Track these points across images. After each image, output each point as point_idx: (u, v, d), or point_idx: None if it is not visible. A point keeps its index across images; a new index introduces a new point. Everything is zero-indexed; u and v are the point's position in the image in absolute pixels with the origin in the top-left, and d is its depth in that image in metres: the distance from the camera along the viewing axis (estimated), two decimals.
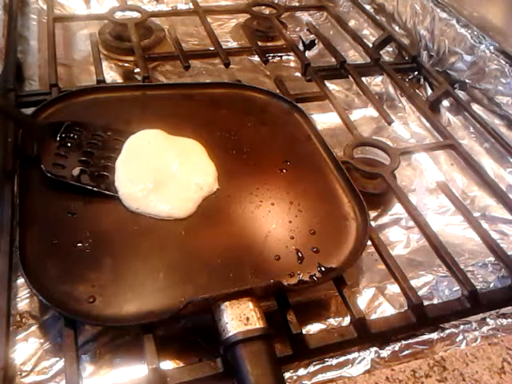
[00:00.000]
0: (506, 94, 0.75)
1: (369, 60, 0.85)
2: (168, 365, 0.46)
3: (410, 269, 0.56)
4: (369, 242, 0.54)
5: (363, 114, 0.81)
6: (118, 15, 0.88)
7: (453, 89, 0.80)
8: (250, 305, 0.45)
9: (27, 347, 0.47)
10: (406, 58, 0.88)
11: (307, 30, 0.97)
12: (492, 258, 0.58)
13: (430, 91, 0.84)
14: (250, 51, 0.87)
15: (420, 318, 0.49)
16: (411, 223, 0.60)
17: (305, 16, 1.05)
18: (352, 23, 1.00)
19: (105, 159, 0.57)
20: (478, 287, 0.52)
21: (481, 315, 0.51)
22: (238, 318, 0.43)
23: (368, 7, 1.01)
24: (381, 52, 0.89)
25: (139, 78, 0.78)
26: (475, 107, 0.79)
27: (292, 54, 0.87)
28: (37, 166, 0.55)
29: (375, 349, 0.47)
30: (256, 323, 0.43)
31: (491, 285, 0.57)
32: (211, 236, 0.53)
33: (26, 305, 0.50)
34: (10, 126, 0.62)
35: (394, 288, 0.54)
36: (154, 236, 0.52)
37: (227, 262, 0.50)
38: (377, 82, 0.87)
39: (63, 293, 0.46)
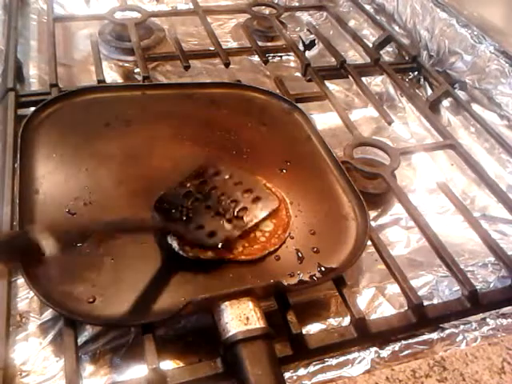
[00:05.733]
0: (506, 93, 0.75)
1: (369, 60, 0.85)
2: (168, 365, 0.46)
3: (409, 269, 0.56)
4: (369, 242, 0.54)
5: (363, 114, 0.81)
6: (118, 15, 0.88)
7: (453, 89, 0.80)
8: (250, 305, 0.45)
9: (27, 347, 0.47)
10: (406, 58, 0.88)
11: (307, 29, 0.97)
12: (492, 258, 0.58)
13: (429, 91, 0.84)
14: (250, 51, 0.87)
15: (420, 318, 0.49)
16: (411, 223, 0.60)
17: (305, 16, 1.05)
18: (352, 23, 1.00)
19: None
20: (477, 287, 0.51)
21: (481, 315, 0.51)
22: (238, 318, 0.43)
23: (368, 7, 1.01)
24: (381, 52, 0.89)
25: (139, 77, 0.78)
26: (475, 107, 0.78)
27: (292, 53, 0.87)
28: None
29: (375, 349, 0.47)
30: (256, 323, 0.43)
31: (491, 285, 0.57)
32: None
33: (26, 305, 0.50)
34: (10, 126, 0.62)
35: (393, 288, 0.54)
36: (154, 235, 0.52)
37: (228, 261, 0.50)
38: (377, 82, 0.87)
39: (63, 293, 0.46)
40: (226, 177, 0.56)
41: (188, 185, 0.55)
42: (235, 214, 0.52)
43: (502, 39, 0.79)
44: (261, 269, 0.50)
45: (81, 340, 0.47)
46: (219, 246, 0.50)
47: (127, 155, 0.60)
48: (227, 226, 0.51)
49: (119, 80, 0.82)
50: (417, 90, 0.86)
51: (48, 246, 0.37)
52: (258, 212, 0.53)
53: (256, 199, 0.54)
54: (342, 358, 0.47)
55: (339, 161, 0.62)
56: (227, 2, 1.03)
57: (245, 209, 0.53)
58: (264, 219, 0.53)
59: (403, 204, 0.60)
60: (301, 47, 0.93)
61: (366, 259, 0.57)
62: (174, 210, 0.52)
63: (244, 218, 0.52)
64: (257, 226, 0.53)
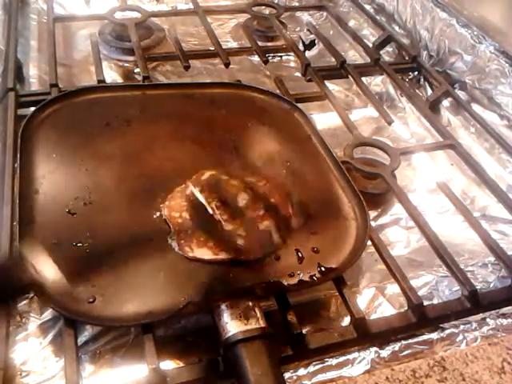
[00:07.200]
0: (506, 93, 0.75)
1: (369, 60, 0.85)
2: (168, 365, 0.46)
3: (410, 269, 0.56)
4: (369, 242, 0.54)
5: (363, 114, 0.81)
6: (118, 15, 0.88)
7: (453, 89, 0.81)
8: (250, 305, 0.45)
9: (27, 347, 0.47)
10: (406, 58, 0.88)
11: (307, 29, 0.97)
12: (492, 258, 0.58)
13: (429, 91, 0.84)
14: (250, 51, 0.87)
15: (420, 318, 0.49)
16: (411, 223, 0.60)
17: (305, 16, 1.05)
18: (352, 23, 1.00)
19: None
20: (477, 287, 0.52)
21: (481, 315, 0.51)
22: (238, 318, 0.43)
23: (368, 7, 1.01)
24: (381, 52, 0.89)
25: (139, 77, 0.78)
26: (475, 107, 0.78)
27: (292, 53, 0.87)
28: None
29: (375, 349, 0.47)
30: (256, 323, 0.43)
31: (491, 285, 0.57)
32: None
33: (26, 305, 0.50)
34: (10, 126, 0.62)
35: (393, 288, 0.54)
36: (154, 236, 0.52)
37: (228, 261, 0.50)
38: (377, 82, 0.87)
39: (63, 293, 0.46)
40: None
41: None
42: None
43: (502, 39, 0.79)
44: (261, 269, 0.50)
45: (81, 340, 0.47)
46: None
47: (127, 155, 0.60)
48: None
49: (119, 80, 0.82)
50: (417, 90, 0.86)
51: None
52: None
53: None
54: (342, 358, 0.46)
55: (339, 161, 0.62)
56: (227, 1, 1.03)
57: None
58: None
59: (403, 204, 0.60)
60: (301, 47, 0.93)
61: (366, 259, 0.57)
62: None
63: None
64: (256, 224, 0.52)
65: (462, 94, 0.81)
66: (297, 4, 1.08)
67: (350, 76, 0.81)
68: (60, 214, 0.52)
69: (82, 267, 0.48)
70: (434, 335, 0.49)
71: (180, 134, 0.63)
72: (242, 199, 0.54)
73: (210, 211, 0.52)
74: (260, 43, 0.88)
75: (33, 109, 0.63)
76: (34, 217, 0.51)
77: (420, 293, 0.53)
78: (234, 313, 0.44)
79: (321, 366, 0.46)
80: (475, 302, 0.51)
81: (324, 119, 0.77)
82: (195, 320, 0.49)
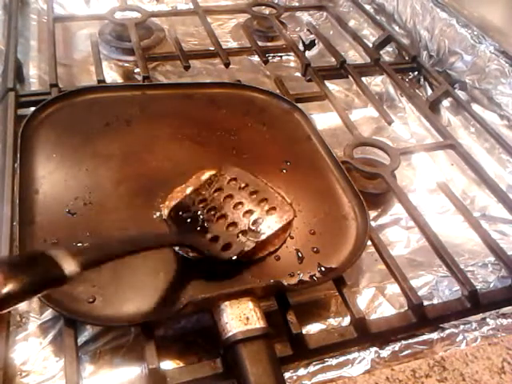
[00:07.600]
0: (506, 93, 0.75)
1: (369, 60, 0.85)
2: (168, 365, 0.46)
3: (409, 269, 0.56)
4: (369, 242, 0.54)
5: (363, 114, 0.81)
6: (118, 15, 0.88)
7: (453, 89, 0.81)
8: (250, 305, 0.45)
9: (27, 347, 0.47)
10: (406, 58, 0.88)
11: (307, 29, 0.97)
12: (492, 258, 0.58)
13: (430, 91, 0.84)
14: (250, 51, 0.87)
15: (420, 318, 0.49)
16: (411, 223, 0.60)
17: (305, 16, 1.05)
18: (352, 23, 1.00)
19: None
20: (477, 287, 0.51)
21: (481, 315, 0.51)
22: (238, 318, 0.43)
23: (368, 7, 1.01)
24: (381, 52, 0.89)
25: (139, 77, 0.78)
26: (475, 107, 0.79)
27: (292, 53, 0.87)
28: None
29: (375, 349, 0.47)
30: (256, 323, 0.43)
31: (491, 285, 0.57)
32: None
33: (26, 305, 0.50)
34: (10, 126, 0.62)
35: (393, 288, 0.54)
36: None
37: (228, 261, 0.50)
38: (377, 82, 0.87)
39: (63, 293, 0.46)
40: (242, 185, 0.55)
41: (203, 192, 0.54)
42: (250, 225, 0.52)
43: (502, 39, 0.79)
44: (261, 269, 0.50)
45: (81, 340, 0.47)
46: (233, 258, 0.49)
47: (127, 155, 0.60)
48: (242, 238, 0.51)
49: (119, 80, 0.82)
50: (417, 90, 0.86)
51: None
52: (273, 223, 0.52)
53: (271, 209, 0.53)
54: (342, 358, 0.46)
55: (339, 161, 0.62)
56: (227, 1, 1.03)
57: (260, 219, 0.52)
58: (278, 230, 0.52)
59: (403, 204, 0.60)
60: (301, 47, 0.93)
61: (366, 259, 0.57)
62: (188, 220, 0.52)
63: (259, 229, 0.51)
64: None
65: (462, 94, 0.81)
66: (297, 4, 1.08)
67: (350, 76, 0.81)
68: (60, 213, 0.52)
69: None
70: (434, 335, 0.49)
71: (180, 134, 0.63)
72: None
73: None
74: (260, 43, 0.88)
75: (33, 109, 0.63)
76: (34, 217, 0.51)
77: (420, 293, 0.52)
78: (234, 313, 0.44)
79: (321, 365, 0.46)
80: (475, 302, 0.51)
81: (324, 119, 0.77)
82: (195, 320, 0.49)
